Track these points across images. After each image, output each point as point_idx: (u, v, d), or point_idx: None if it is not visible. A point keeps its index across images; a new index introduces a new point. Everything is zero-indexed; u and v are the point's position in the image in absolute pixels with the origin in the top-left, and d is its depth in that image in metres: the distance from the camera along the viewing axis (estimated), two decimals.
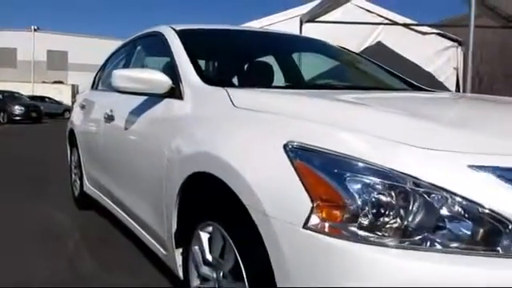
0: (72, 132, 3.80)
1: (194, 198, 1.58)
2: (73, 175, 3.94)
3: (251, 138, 1.30)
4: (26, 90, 27.68)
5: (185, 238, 1.66)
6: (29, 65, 39.88)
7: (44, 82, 38.84)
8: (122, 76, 1.98)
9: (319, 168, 1.07)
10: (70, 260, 2.57)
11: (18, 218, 3.47)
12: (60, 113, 27.23)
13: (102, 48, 42.07)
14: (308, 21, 7.88)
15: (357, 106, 1.48)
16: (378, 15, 9.71)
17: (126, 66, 2.85)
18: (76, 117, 3.71)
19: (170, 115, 1.86)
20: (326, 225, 1.01)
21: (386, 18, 9.56)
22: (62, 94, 35.71)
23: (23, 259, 2.54)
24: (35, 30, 41.08)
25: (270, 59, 2.46)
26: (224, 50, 2.37)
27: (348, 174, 1.02)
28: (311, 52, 2.63)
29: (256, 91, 1.75)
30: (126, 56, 3.02)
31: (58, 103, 28.81)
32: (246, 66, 2.37)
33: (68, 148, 4.13)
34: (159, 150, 1.85)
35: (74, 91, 40.73)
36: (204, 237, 1.52)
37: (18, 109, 18.99)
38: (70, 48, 41.57)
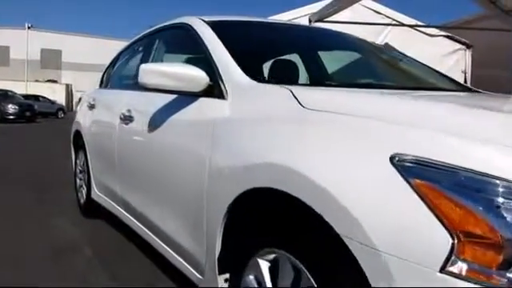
0: (78, 134, 3.51)
1: (249, 219, 1.31)
2: (78, 180, 3.64)
3: (340, 147, 1.03)
4: (19, 88, 27.16)
5: (234, 264, 1.39)
6: (22, 63, 39.30)
7: (37, 81, 38.33)
8: (153, 71, 1.71)
9: (454, 191, 0.81)
10: (84, 280, 2.29)
11: (19, 227, 3.17)
12: (54, 112, 26.79)
13: (96, 47, 41.96)
14: (317, 21, 7.73)
15: (464, 110, 1.17)
16: (386, 16, 9.57)
17: (144, 62, 2.57)
18: (83, 117, 3.42)
19: (210, 117, 1.58)
20: (477, 269, 0.75)
21: (394, 20, 9.42)
22: (56, 93, 35.24)
23: (31, 279, 2.25)
24: (29, 27, 40.51)
25: (312, 56, 2.20)
26: (265, 44, 2.09)
27: (501, 200, 0.77)
28: (355, 50, 2.38)
29: (325, 90, 1.49)
30: (142, 51, 2.74)
31: (52, 102, 28.31)
32: (290, 63, 2.10)
33: (72, 151, 3.83)
34: (196, 158, 1.58)
35: (68, 90, 40.33)
36: (264, 265, 1.25)
37: (11, 107, 18.53)
38: (64, 47, 41.06)
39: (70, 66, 40.95)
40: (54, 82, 39.90)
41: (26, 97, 24.01)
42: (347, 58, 2.32)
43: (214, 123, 1.53)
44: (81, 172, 3.57)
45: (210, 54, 1.82)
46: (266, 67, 2.02)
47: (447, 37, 10.33)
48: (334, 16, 8.30)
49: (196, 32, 2.01)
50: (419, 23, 10.55)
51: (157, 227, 2.00)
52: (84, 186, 3.44)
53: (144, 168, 2.12)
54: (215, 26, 1.99)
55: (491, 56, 11.06)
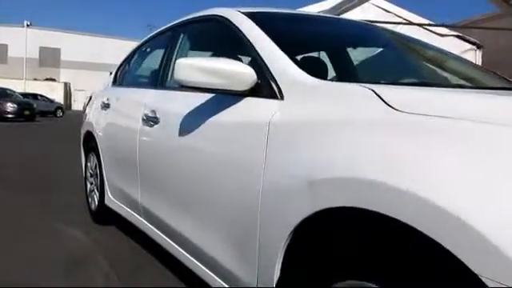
0: (90, 135, 3.28)
1: (322, 243, 1.10)
2: (88, 185, 3.42)
3: (467, 160, 0.81)
4: (17, 87, 26.89)
5: None
6: (20, 61, 39.00)
7: (35, 79, 38.05)
8: (192, 67, 1.50)
9: None
10: None
11: (24, 235, 2.95)
12: (52, 111, 26.51)
13: (96, 46, 41.72)
14: None
15: None
16: (396, 15, 9.43)
17: (169, 58, 2.36)
18: (96, 118, 3.19)
19: (261, 121, 1.36)
20: None
21: (405, 19, 9.28)
22: (54, 92, 34.99)
23: None
24: (28, 25, 40.18)
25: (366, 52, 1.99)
26: (314, 38, 1.88)
27: None
28: (406, 46, 2.16)
29: (411, 89, 1.27)
30: (164, 47, 2.52)
31: (51, 101, 28.01)
32: (345, 58, 1.88)
33: (82, 153, 3.61)
34: (245, 169, 1.37)
35: (67, 89, 40.04)
36: None
37: (10, 106, 18.22)
38: (63, 45, 40.78)
39: (69, 64, 40.67)
40: (53, 80, 39.62)
41: (25, 95, 23.72)
42: (403, 55, 2.11)
43: (269, 128, 1.32)
44: (92, 176, 3.36)
45: (254, 48, 1.61)
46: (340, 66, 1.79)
47: (458, 36, 10.19)
48: (344, 15, 8.18)
49: (233, 25, 1.80)
50: (430, 22, 10.44)
51: (188, 241, 1.79)
52: (96, 190, 3.22)
53: (174, 176, 1.90)
54: (256, 18, 1.78)
55: (502, 56, 10.91)
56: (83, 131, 3.52)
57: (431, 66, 2.04)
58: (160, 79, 2.36)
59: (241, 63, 1.50)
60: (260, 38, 1.63)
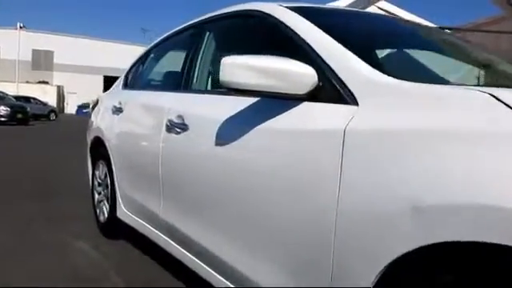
0: (98, 141, 3.05)
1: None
2: (96, 195, 3.18)
3: None
4: (9, 89, 26.47)
5: None
6: (12, 64, 38.48)
7: (28, 82, 37.55)
8: (243, 66, 1.29)
9: None
10: None
11: (29, 249, 2.71)
12: (46, 114, 26.13)
13: (89, 49, 41.33)
14: None
15: None
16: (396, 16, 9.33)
17: (194, 58, 2.14)
18: (106, 123, 2.96)
19: (334, 129, 1.13)
20: None
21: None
22: (47, 95, 34.55)
23: None
24: (21, 27, 39.71)
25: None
26: (374, 36, 1.67)
27: None
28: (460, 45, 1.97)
29: None
30: (187, 46, 2.30)
31: (44, 104, 27.61)
32: (412, 59, 1.68)
33: (89, 160, 3.37)
34: (313, 188, 1.16)
35: (60, 92, 39.55)
36: None
37: (3, 109, 17.79)
38: (56, 48, 40.33)
39: (62, 67, 40.21)
40: (46, 83, 39.12)
41: (17, 98, 23.32)
42: (465, 56, 1.91)
43: (344, 138, 1.10)
44: (100, 185, 3.12)
45: (309, 46, 1.40)
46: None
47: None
48: None
49: (279, 21, 1.60)
50: (432, 25, 10.39)
51: (227, 266, 1.57)
52: (105, 201, 2.98)
53: (209, 190, 1.68)
54: (304, 13, 1.58)
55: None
56: (90, 137, 3.29)
57: (495, 66, 1.85)
58: (185, 81, 2.14)
59: (299, 62, 1.29)
60: (316, 34, 1.42)
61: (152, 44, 2.91)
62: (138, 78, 2.99)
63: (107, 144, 2.86)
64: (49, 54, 40.85)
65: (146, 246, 2.56)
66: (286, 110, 1.33)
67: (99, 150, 3.09)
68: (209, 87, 2.10)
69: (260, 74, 1.27)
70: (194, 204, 1.82)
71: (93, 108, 3.62)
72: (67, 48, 40.04)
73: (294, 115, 1.31)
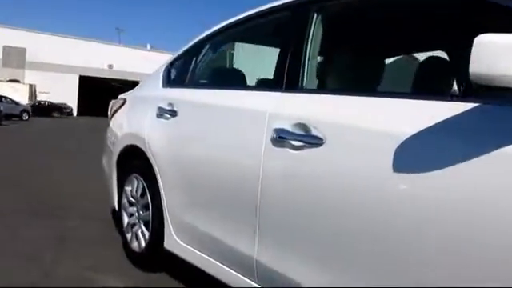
0: (134, 151, 2.46)
1: None
2: (125, 217, 2.59)
3: None
4: None
5: None
6: None
7: None
8: None
9: None
10: None
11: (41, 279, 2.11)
12: (18, 114, 24.77)
13: (64, 47, 39.80)
14: None
15: None
16: None
17: (296, 50, 1.62)
18: (148, 128, 2.37)
19: None
20: None
21: None
22: (18, 93, 32.92)
23: None
24: None
25: None
26: None
27: None
28: None
29: None
30: (279, 34, 1.78)
31: (16, 103, 26.20)
32: None
33: (114, 174, 2.76)
34: None
35: (32, 91, 37.82)
36: None
37: None
38: (30, 45, 38.54)
39: (35, 65, 38.51)
40: (17, 81, 37.35)
41: None
42: None
43: None
44: (132, 205, 2.55)
45: None
46: None
47: None
48: None
49: None
50: None
51: None
52: (142, 226, 2.41)
53: (369, 235, 1.16)
54: None
55: None
56: (119, 146, 2.69)
57: None
58: (289, 78, 1.62)
59: None
60: None
61: (208, 32, 2.33)
62: (194, 73, 2.40)
63: (150, 155, 2.29)
64: (21, 52, 39.09)
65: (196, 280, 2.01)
66: None
67: (133, 162, 2.51)
68: (343, 86, 1.62)
69: None
70: (326, 248, 1.30)
71: (114, 112, 3.03)
72: (41, 46, 38.40)
73: None
